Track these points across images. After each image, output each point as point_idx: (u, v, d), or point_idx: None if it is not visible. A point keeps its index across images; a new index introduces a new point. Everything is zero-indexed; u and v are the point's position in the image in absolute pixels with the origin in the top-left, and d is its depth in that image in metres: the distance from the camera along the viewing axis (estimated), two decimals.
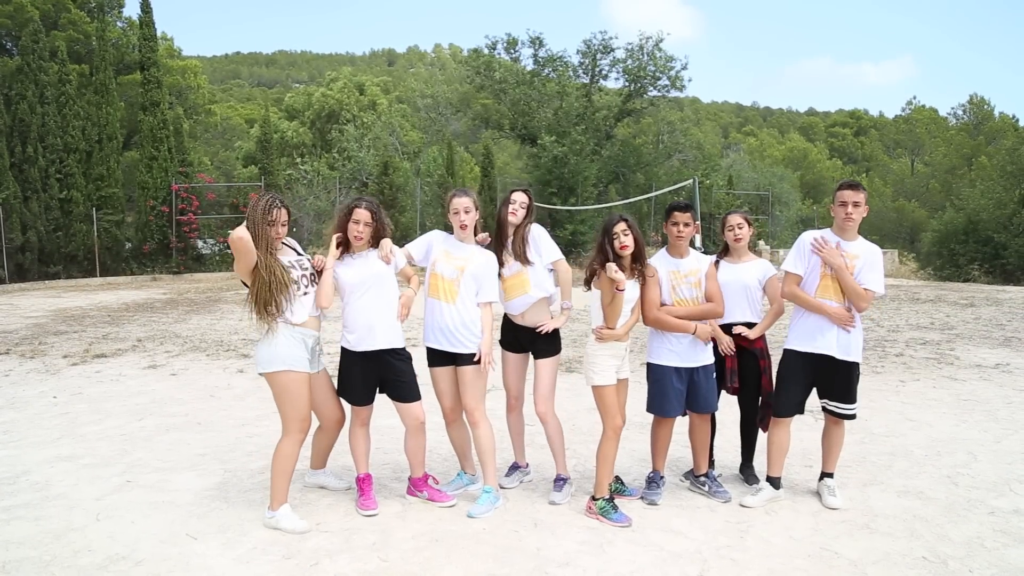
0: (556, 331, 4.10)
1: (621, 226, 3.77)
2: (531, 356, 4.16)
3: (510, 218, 4.04)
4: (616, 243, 3.75)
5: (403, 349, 3.93)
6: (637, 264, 3.85)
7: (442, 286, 3.91)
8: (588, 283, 3.88)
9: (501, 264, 4.07)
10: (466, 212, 3.93)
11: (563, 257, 4.15)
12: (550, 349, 4.08)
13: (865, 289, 3.83)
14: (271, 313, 3.60)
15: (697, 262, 4.01)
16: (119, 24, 28.80)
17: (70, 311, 13.35)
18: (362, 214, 3.80)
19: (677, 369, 3.93)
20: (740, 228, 4.27)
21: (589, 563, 3.30)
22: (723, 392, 4.23)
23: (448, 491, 4.13)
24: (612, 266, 3.64)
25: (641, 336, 4.23)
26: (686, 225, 3.94)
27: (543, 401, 4.06)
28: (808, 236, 4.04)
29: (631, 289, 3.80)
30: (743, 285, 4.19)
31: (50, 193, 19.82)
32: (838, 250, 3.87)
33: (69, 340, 9.85)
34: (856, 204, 3.85)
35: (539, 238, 4.08)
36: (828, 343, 3.86)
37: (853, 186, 3.91)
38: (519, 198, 4.07)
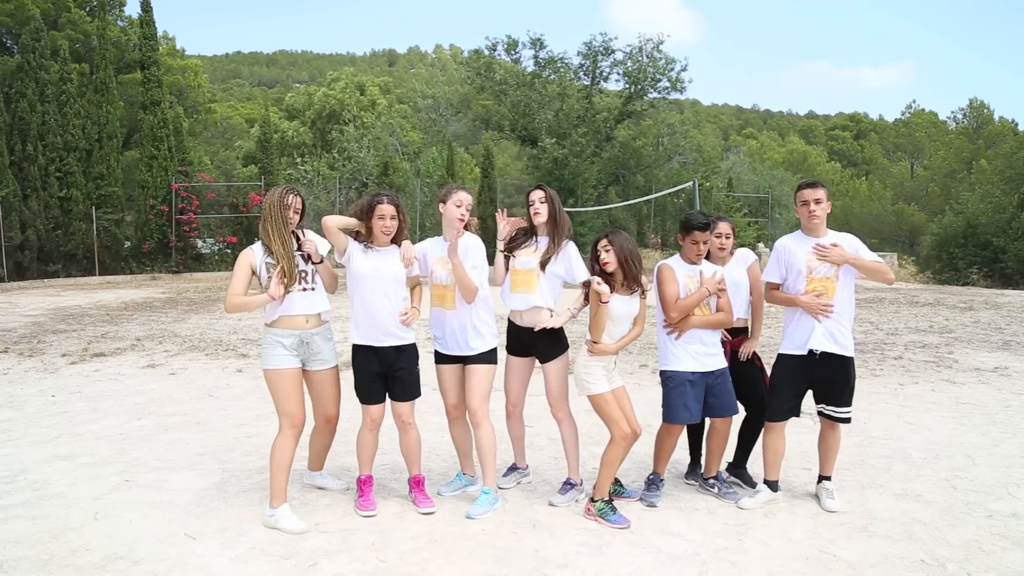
0: (561, 331, 4.09)
1: (602, 243, 3.79)
2: (537, 361, 4.14)
3: (536, 219, 4.05)
4: (600, 259, 3.77)
5: (412, 345, 3.93)
6: (628, 279, 3.82)
7: (444, 294, 3.93)
8: (587, 297, 3.89)
9: (512, 254, 4.04)
10: (468, 209, 3.96)
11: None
12: (555, 351, 4.06)
13: (876, 262, 3.90)
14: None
15: (710, 274, 4.01)
16: (119, 23, 28.80)
17: (69, 310, 13.34)
18: (387, 209, 3.79)
19: (693, 374, 3.92)
20: (728, 239, 4.24)
21: (588, 565, 3.30)
22: None
23: (447, 492, 4.14)
24: (595, 278, 3.69)
25: (641, 339, 4.22)
26: (705, 244, 3.95)
27: (557, 403, 4.06)
28: (782, 243, 4.08)
29: (628, 304, 3.79)
30: (733, 283, 4.18)
31: (50, 191, 19.81)
32: (836, 248, 3.88)
33: (68, 339, 9.84)
34: (817, 201, 3.90)
35: (572, 257, 4.04)
36: (817, 339, 3.87)
37: (811, 184, 3.98)
38: (536, 196, 4.07)
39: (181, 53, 35.24)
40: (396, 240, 3.88)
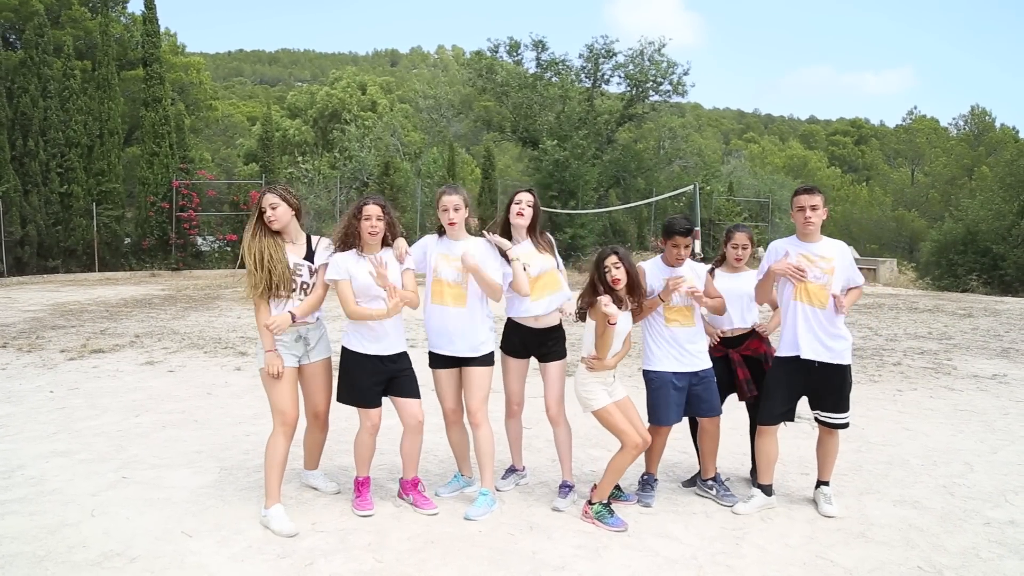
0: (563, 334, 4.09)
1: (612, 259, 3.74)
2: (536, 360, 4.13)
3: (518, 220, 4.00)
4: (608, 277, 3.73)
5: (406, 351, 3.94)
6: (631, 296, 3.81)
7: (448, 291, 3.88)
8: (582, 315, 3.83)
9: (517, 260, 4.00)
10: (455, 210, 3.88)
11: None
12: (559, 352, 4.06)
13: (851, 289, 3.94)
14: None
15: (691, 271, 4.02)
16: (122, 20, 28.80)
17: (68, 306, 13.33)
18: (372, 210, 3.77)
19: (675, 374, 3.93)
20: (744, 249, 4.28)
21: (585, 567, 3.29)
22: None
23: (444, 493, 4.13)
24: (605, 299, 3.63)
25: (638, 341, 4.22)
26: (687, 248, 3.96)
27: (556, 405, 4.05)
28: (775, 245, 4.09)
29: (623, 321, 3.78)
30: (742, 294, 4.20)
31: (50, 187, 19.82)
32: (792, 259, 3.91)
33: (67, 335, 9.84)
34: (814, 207, 3.90)
35: (554, 244, 4.11)
36: (806, 346, 3.86)
37: (808, 190, 3.98)
38: (524, 198, 4.03)
39: (183, 50, 35.23)
40: (384, 242, 3.87)
